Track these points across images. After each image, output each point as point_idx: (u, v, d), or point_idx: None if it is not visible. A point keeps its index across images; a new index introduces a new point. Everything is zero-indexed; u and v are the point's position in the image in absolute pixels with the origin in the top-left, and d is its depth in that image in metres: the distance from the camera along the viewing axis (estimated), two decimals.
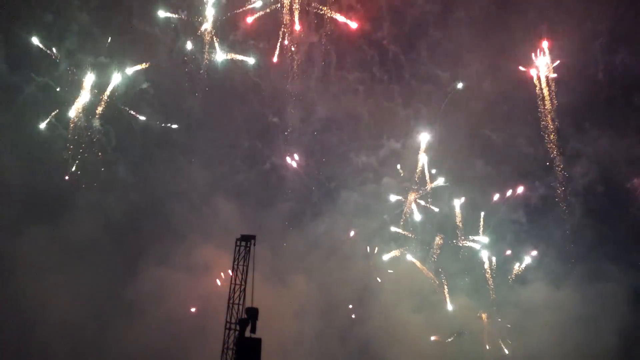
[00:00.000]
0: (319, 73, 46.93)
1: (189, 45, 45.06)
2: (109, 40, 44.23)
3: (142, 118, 45.17)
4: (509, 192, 45.59)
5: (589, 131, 44.63)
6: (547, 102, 43.79)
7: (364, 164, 47.67)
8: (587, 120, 44.62)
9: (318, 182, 47.51)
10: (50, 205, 42.97)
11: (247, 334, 26.33)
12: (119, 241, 43.66)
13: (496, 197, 45.61)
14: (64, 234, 42.23)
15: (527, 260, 44.92)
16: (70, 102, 44.54)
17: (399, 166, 46.71)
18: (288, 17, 44.87)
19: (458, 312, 44.64)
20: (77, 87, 44.39)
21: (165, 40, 45.40)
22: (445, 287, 45.81)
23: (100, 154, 44.82)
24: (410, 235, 46.83)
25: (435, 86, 46.29)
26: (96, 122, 44.46)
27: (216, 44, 45.10)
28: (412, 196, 46.62)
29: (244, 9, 44.56)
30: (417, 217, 46.75)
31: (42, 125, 43.61)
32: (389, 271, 46.29)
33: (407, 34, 46.45)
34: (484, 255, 45.41)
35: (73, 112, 44.51)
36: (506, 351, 44.22)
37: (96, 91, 44.93)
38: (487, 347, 44.20)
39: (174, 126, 45.76)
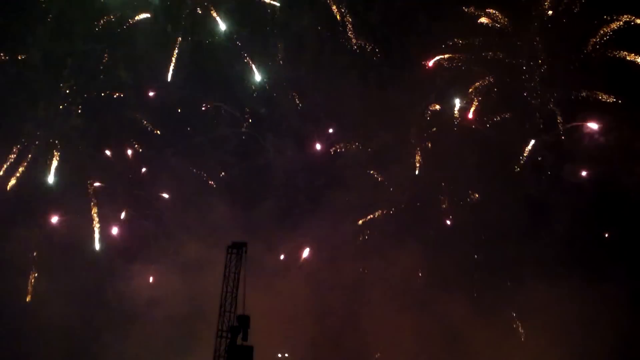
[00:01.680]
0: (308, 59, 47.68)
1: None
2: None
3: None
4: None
5: (586, 127, 45.73)
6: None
7: (356, 157, 48.38)
8: (583, 115, 45.75)
9: (308, 179, 48.32)
10: (37, 205, 43.50)
11: (239, 341, 27.72)
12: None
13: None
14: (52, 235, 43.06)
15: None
16: (46, 94, 44.77)
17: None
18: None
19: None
20: (54, 77, 44.70)
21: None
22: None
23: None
24: None
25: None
26: (77, 120, 44.77)
27: None
28: None
29: None
30: None
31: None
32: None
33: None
34: None
35: (49, 105, 44.73)
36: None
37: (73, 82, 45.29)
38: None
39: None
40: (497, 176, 46.18)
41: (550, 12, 44.32)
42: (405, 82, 46.00)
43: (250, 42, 46.99)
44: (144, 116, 46.11)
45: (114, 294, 43.57)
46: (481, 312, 45.14)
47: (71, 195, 44.12)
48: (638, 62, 42.64)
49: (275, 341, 41.54)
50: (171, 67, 45.23)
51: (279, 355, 45.25)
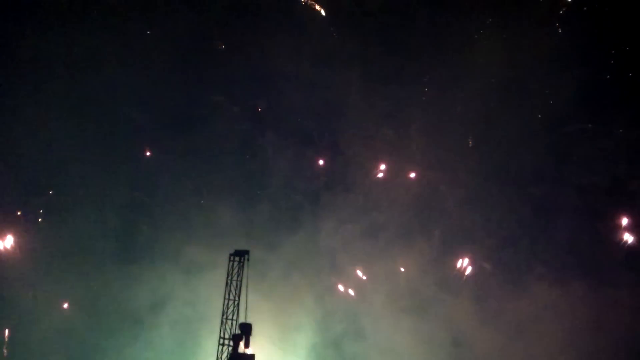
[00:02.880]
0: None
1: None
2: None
3: None
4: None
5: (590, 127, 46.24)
6: None
7: (355, 156, 48.76)
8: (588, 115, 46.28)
9: (307, 181, 48.60)
10: (41, 207, 44.10)
11: (241, 349, 28.41)
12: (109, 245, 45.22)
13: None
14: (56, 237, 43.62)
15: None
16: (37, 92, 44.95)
17: None
18: None
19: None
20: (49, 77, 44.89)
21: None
22: None
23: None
24: None
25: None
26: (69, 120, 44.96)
27: None
28: None
29: None
30: None
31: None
32: None
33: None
34: None
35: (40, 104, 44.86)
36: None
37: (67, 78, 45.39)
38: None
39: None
40: (501, 178, 46.86)
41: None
42: (405, 87, 46.62)
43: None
44: (141, 115, 46.48)
45: (116, 298, 44.09)
46: (486, 316, 45.83)
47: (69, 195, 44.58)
48: None
49: (278, 348, 42.04)
50: None
51: None
